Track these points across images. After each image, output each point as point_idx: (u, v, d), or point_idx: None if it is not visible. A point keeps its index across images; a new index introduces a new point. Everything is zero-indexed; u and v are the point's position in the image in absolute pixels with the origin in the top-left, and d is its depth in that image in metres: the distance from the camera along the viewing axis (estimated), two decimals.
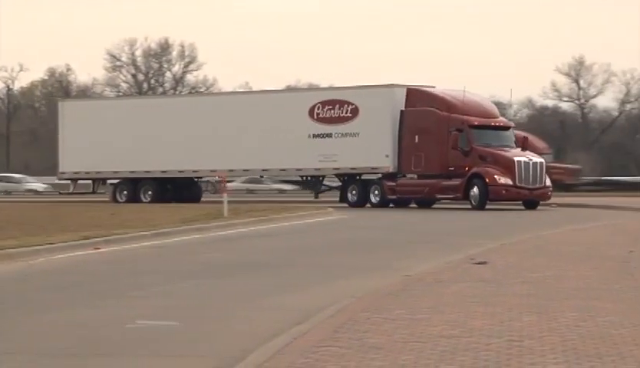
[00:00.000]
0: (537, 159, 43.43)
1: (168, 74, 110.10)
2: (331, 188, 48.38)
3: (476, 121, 43.20)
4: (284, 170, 48.95)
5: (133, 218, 33.04)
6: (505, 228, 30.60)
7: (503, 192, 42.19)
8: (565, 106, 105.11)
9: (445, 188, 42.79)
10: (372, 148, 44.29)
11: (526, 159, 42.86)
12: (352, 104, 45.09)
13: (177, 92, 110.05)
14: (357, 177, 45.72)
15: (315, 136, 45.67)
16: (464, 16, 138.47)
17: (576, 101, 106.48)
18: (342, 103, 45.41)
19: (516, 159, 42.65)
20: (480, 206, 42.03)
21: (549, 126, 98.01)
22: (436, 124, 43.30)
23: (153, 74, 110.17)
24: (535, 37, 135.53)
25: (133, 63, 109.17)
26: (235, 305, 14.76)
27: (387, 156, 44.00)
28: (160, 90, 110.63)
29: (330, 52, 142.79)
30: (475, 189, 42.08)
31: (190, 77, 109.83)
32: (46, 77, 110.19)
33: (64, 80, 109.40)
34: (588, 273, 17.09)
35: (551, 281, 15.90)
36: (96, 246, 23.78)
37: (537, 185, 42.62)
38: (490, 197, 42.30)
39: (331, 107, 45.61)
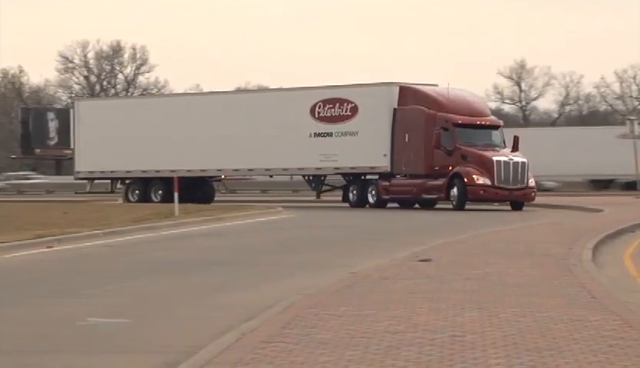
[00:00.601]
0: (519, 159, 40.94)
1: (120, 76, 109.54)
2: (334, 188, 46.57)
3: (459, 119, 41.22)
4: (286, 169, 47.15)
5: (86, 217, 32.84)
6: (457, 227, 30.73)
7: (481, 192, 40.28)
8: (508, 108, 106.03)
9: (430, 189, 41.00)
10: (371, 147, 42.66)
11: (506, 159, 40.61)
12: (352, 103, 43.49)
13: (129, 93, 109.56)
14: (362, 177, 44.07)
15: (316, 135, 44.15)
16: (405, 19, 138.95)
17: (518, 103, 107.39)
18: (342, 101, 43.80)
19: (495, 158, 40.52)
20: (459, 206, 40.32)
21: None
22: (423, 123, 41.49)
23: (106, 76, 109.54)
24: (477, 40, 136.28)
25: (86, 65, 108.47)
26: (186, 303, 14.71)
27: (385, 155, 42.34)
28: (112, 91, 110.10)
29: (279, 54, 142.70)
30: (455, 190, 40.33)
31: (142, 79, 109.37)
32: None
33: (17, 81, 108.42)
34: (528, 270, 17.19)
35: (493, 278, 15.98)
36: (49, 245, 23.61)
37: (518, 186, 40.56)
38: (468, 197, 40.48)
39: (331, 106, 44.01)
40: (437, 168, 40.90)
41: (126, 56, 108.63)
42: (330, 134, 43.85)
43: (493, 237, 25.53)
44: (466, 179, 40.10)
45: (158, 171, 47.74)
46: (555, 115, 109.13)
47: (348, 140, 43.47)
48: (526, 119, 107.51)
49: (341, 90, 44.64)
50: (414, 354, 9.61)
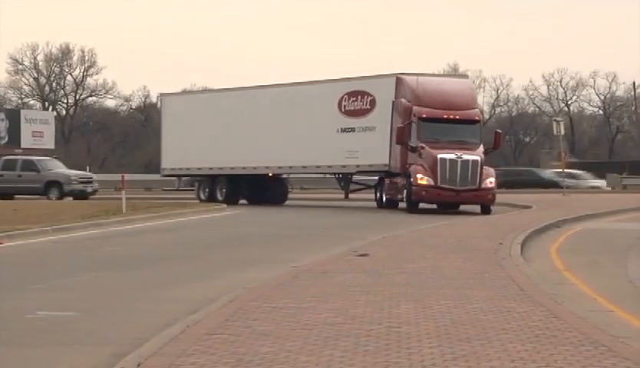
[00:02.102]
0: (471, 156, 35.70)
1: (69, 78, 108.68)
2: (367, 187, 42.77)
3: (425, 113, 36.45)
4: (318, 167, 42.80)
5: (36, 213, 32.53)
6: (394, 224, 30.87)
7: (423, 193, 35.56)
8: None
9: (401, 188, 37.27)
10: (385, 143, 38.53)
11: (453, 157, 35.53)
12: (371, 95, 39.59)
13: (78, 95, 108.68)
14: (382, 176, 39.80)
15: (342, 130, 40.43)
16: (345, 22, 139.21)
17: None
18: (363, 94, 39.92)
19: (439, 156, 35.54)
20: (409, 208, 36.18)
21: None
22: (402, 117, 37.24)
23: (55, 78, 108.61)
24: (410, 44, 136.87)
25: (35, 67, 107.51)
26: (133, 296, 14.63)
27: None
28: (62, 93, 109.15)
29: (227, 56, 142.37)
30: (405, 191, 36.46)
31: (90, 81, 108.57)
32: None
33: None
34: (461, 264, 17.30)
35: (427, 272, 16.07)
36: None
37: (467, 187, 35.42)
38: (413, 198, 35.95)
39: (354, 99, 40.11)
40: (407, 165, 36.64)
41: (75, 58, 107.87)
42: (353, 129, 40.33)
43: (429, 232, 25.65)
44: (412, 179, 35.88)
45: (221, 168, 44.52)
46: (487, 116, 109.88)
47: (367, 136, 39.78)
48: None
49: (362, 82, 40.65)
50: (351, 345, 9.64)
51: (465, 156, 35.69)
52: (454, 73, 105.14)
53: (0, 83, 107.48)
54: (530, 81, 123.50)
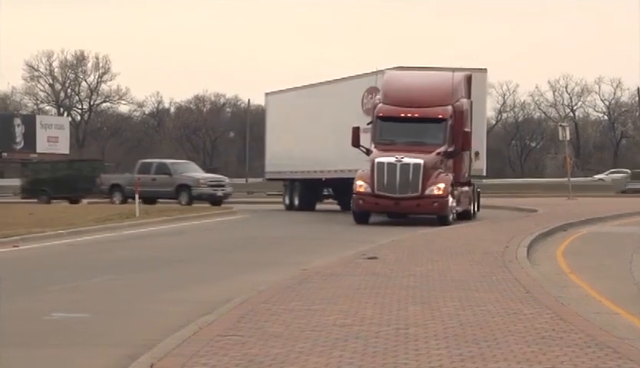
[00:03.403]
0: (412, 160, 30.79)
1: (84, 84, 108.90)
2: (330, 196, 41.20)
3: (382, 112, 32.21)
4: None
5: (51, 217, 32.60)
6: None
7: (360, 201, 31.13)
8: None
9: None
10: None
11: (392, 160, 30.76)
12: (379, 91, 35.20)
13: (92, 101, 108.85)
14: None
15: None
16: (352, 27, 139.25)
17: None
18: (376, 90, 35.73)
19: (376, 160, 30.88)
20: (353, 218, 31.91)
21: None
22: (371, 116, 33.34)
23: (70, 84, 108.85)
24: (418, 50, 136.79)
25: (51, 73, 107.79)
26: (145, 298, 14.64)
27: None
28: (77, 98, 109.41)
29: (235, 65, 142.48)
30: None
31: (104, 87, 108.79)
32: None
33: None
34: (468, 266, 17.28)
35: (435, 274, 16.05)
36: (14, 244, 23.41)
37: (408, 194, 30.74)
38: (352, 208, 31.84)
39: (371, 96, 36.06)
40: None
41: (89, 65, 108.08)
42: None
43: (436, 236, 25.63)
44: (353, 186, 31.61)
45: (294, 172, 41.75)
46: (493, 121, 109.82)
47: None
48: None
49: (372, 78, 36.47)
50: (360, 346, 9.64)
51: (406, 160, 30.74)
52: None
53: (16, 90, 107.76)
54: (536, 87, 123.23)
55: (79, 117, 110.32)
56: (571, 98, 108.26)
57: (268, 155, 45.35)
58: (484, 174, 36.75)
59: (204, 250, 23.30)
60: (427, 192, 30.90)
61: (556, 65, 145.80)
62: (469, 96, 34.35)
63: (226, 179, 50.31)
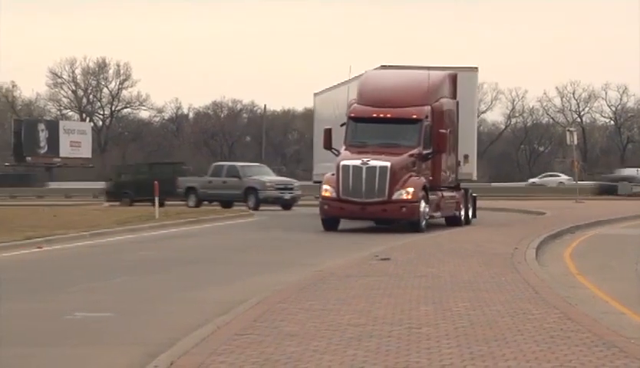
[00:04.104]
0: (379, 162, 28.26)
1: (105, 91, 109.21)
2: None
3: (353, 112, 29.71)
4: None
5: (74, 219, 32.66)
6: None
7: (326, 207, 28.83)
8: None
9: None
10: None
11: (358, 163, 28.25)
12: None
13: (114, 107, 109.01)
14: None
15: None
16: (360, 38, 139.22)
17: None
18: None
19: (342, 162, 28.47)
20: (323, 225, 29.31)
21: None
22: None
23: (92, 91, 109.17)
24: (430, 57, 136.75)
25: (74, 80, 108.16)
26: (165, 298, 14.65)
27: None
28: (98, 104, 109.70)
29: (251, 71, 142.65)
30: None
31: (125, 93, 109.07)
32: None
33: (10, 95, 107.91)
34: (478, 268, 17.25)
35: (445, 275, 16.02)
36: (38, 245, 23.46)
37: (374, 199, 28.17)
38: (320, 214, 29.44)
39: None
40: None
41: (111, 72, 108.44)
42: None
43: (447, 238, 25.59)
44: (320, 191, 29.52)
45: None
46: (503, 126, 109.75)
47: None
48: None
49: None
50: (373, 345, 9.62)
51: (372, 162, 28.30)
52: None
53: (40, 96, 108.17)
54: (544, 93, 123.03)
55: (101, 123, 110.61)
56: (578, 104, 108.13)
57: (316, 157, 40.85)
58: (474, 178, 33.43)
59: (221, 251, 23.30)
60: (395, 196, 28.28)
61: (564, 72, 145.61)
62: (454, 96, 31.67)
63: (295, 182, 48.36)
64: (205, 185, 47.00)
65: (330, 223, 29.35)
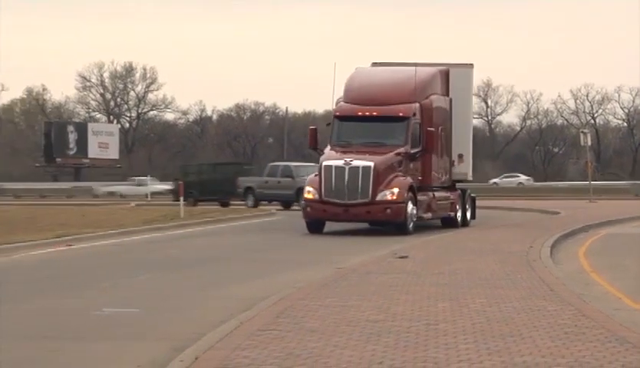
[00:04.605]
0: (362, 162, 26.37)
1: (132, 94, 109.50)
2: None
3: (338, 110, 27.84)
4: None
5: (102, 219, 32.77)
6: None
7: (308, 209, 26.96)
8: (476, 122, 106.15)
9: None
10: None
11: (340, 163, 26.38)
12: None
13: (140, 109, 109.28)
14: None
15: None
16: (385, 44, 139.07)
17: (485, 118, 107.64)
18: None
19: (324, 163, 26.65)
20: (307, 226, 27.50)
21: None
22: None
23: (119, 94, 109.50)
24: (447, 61, 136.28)
25: (102, 83, 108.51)
26: (190, 295, 14.68)
27: None
28: (125, 107, 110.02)
29: (273, 75, 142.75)
30: None
31: (151, 96, 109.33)
32: (25, 96, 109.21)
33: (40, 98, 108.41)
34: (494, 265, 17.20)
35: (462, 273, 15.98)
36: (68, 243, 23.56)
37: (357, 200, 26.31)
38: (303, 216, 27.69)
39: None
40: None
41: (137, 76, 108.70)
42: None
43: (463, 236, 25.54)
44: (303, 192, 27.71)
45: None
46: (518, 128, 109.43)
47: None
48: (492, 131, 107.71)
49: None
50: (392, 340, 9.61)
51: (355, 163, 26.43)
52: (488, 88, 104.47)
53: (70, 99, 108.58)
54: (559, 96, 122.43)
55: (128, 125, 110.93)
56: (592, 106, 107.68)
57: None
58: (470, 178, 31.50)
59: (243, 249, 23.31)
60: (379, 197, 26.32)
61: (578, 75, 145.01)
62: (446, 93, 29.76)
63: None
64: (261, 185, 45.97)
65: (315, 226, 27.50)
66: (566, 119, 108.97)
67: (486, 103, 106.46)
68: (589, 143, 55.02)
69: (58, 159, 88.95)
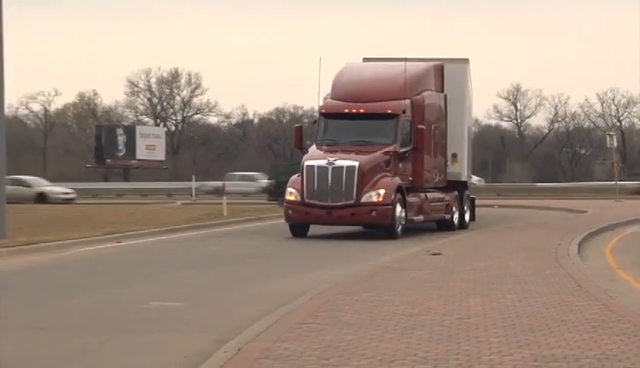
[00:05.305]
0: (347, 162, 23.92)
1: (177, 98, 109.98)
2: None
3: (324, 107, 25.39)
4: None
5: (149, 217, 32.93)
6: None
7: (290, 212, 24.52)
8: (505, 124, 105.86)
9: None
10: None
11: (324, 163, 23.91)
12: None
13: (185, 113, 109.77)
14: None
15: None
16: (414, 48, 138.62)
17: (514, 121, 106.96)
18: None
19: (306, 163, 24.17)
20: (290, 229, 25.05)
21: (491, 141, 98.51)
22: None
23: (165, 98, 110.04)
24: (480, 67, 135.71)
25: (149, 89, 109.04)
26: (232, 290, 14.70)
27: None
28: (171, 111, 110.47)
29: (311, 79, 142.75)
30: None
31: (196, 100, 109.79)
32: (77, 101, 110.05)
33: (92, 103, 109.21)
34: (523, 262, 17.08)
35: (493, 269, 15.89)
36: (117, 240, 23.68)
37: (341, 202, 23.88)
38: (285, 219, 25.13)
39: None
40: None
41: (183, 81, 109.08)
42: None
43: (493, 234, 25.38)
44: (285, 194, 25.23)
45: None
46: (546, 131, 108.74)
47: None
48: (521, 134, 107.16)
49: None
50: (425, 333, 9.56)
51: (339, 162, 23.91)
52: (517, 92, 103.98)
53: (119, 103, 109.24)
54: (586, 99, 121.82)
55: (173, 127, 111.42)
56: (617, 109, 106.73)
57: None
58: (464, 179, 28.58)
59: (281, 247, 23.29)
60: (364, 199, 23.79)
61: (604, 79, 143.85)
62: (441, 89, 27.24)
63: None
64: None
65: (298, 229, 24.98)
66: (593, 122, 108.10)
67: (516, 106, 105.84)
68: (615, 145, 54.54)
69: (108, 161, 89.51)
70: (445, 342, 9.11)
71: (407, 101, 25.36)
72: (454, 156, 28.06)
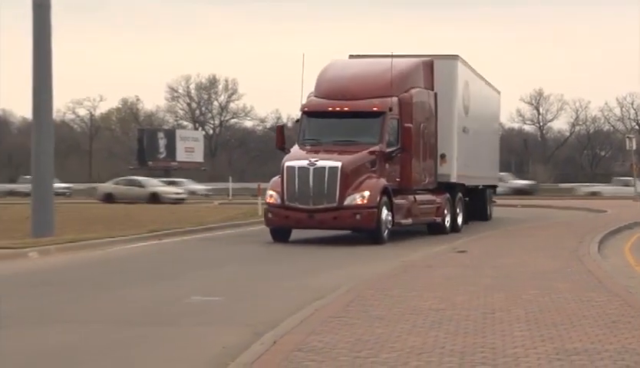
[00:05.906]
0: (329, 163, 21.79)
1: (215, 103, 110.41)
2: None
3: (307, 106, 23.35)
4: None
5: (188, 216, 33.08)
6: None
7: (269, 215, 22.49)
8: (528, 128, 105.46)
9: None
10: None
11: (304, 164, 21.89)
12: None
13: (222, 117, 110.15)
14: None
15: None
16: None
17: (536, 124, 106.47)
18: None
19: (286, 164, 22.19)
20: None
21: (515, 144, 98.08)
22: None
23: (204, 103, 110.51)
24: (503, 73, 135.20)
25: (188, 94, 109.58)
26: (268, 285, 14.75)
27: None
28: (209, 115, 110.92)
29: None
30: None
31: (233, 105, 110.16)
32: (120, 106, 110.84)
33: (134, 107, 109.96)
34: (546, 260, 17.01)
35: (517, 266, 15.84)
36: (158, 238, 23.81)
37: (323, 205, 21.82)
38: (265, 223, 23.04)
39: None
40: None
41: (220, 87, 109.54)
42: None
43: (517, 232, 25.27)
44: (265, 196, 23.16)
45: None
46: (567, 134, 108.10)
47: None
48: (543, 137, 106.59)
49: None
50: (452, 327, 9.56)
51: (321, 163, 21.81)
52: (540, 96, 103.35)
53: (160, 108, 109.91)
54: (606, 103, 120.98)
55: (211, 131, 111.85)
56: (637, 113, 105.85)
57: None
58: (453, 180, 26.38)
59: (314, 245, 23.27)
60: (347, 201, 21.71)
61: (623, 84, 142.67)
62: (431, 86, 25.34)
63: None
64: None
65: (280, 234, 22.88)
66: (612, 126, 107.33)
67: (538, 110, 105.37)
68: (634, 147, 54.10)
69: (150, 163, 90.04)
70: (471, 335, 9.11)
71: (394, 99, 23.25)
72: (442, 156, 25.95)
